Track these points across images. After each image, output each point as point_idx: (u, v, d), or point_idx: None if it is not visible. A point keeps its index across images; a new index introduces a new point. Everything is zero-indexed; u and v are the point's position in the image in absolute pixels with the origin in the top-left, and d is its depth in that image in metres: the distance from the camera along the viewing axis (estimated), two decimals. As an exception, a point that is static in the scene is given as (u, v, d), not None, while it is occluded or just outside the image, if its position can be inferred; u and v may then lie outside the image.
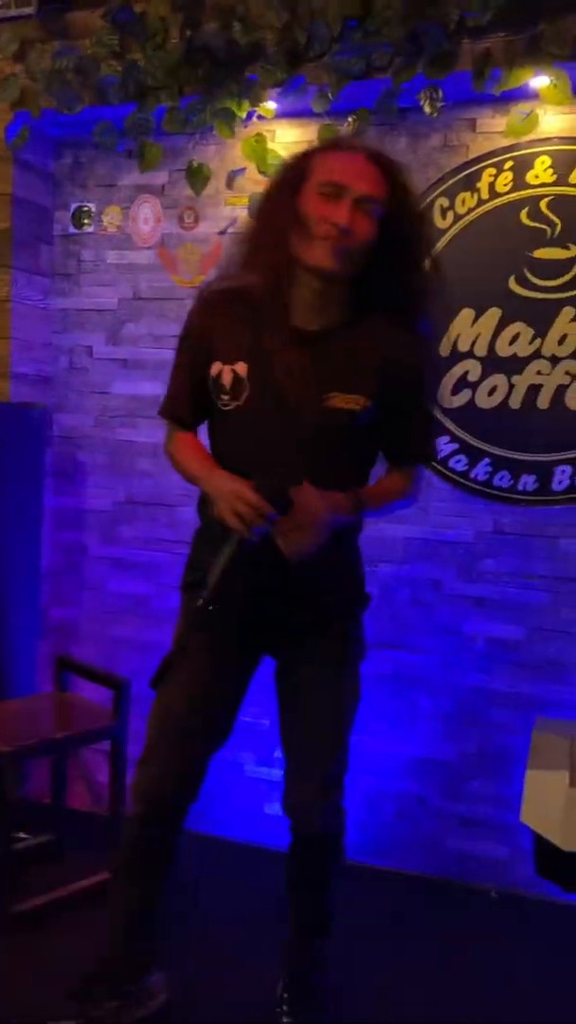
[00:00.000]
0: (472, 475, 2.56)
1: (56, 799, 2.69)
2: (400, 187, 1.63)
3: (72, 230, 2.95)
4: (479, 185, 2.49)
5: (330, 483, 1.62)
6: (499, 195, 2.48)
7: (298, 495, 1.55)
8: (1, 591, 2.72)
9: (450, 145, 2.54)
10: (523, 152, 2.45)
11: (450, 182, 2.52)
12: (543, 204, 2.44)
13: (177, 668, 1.74)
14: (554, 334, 2.45)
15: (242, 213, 2.68)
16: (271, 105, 2.47)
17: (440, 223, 2.53)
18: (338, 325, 1.67)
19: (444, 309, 1.83)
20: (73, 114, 2.58)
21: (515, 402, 2.50)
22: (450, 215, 2.53)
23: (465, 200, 2.51)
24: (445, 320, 1.86)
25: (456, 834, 2.64)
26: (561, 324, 2.44)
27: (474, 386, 2.53)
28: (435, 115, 2.33)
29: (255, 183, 2.60)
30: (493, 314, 2.50)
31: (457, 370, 2.53)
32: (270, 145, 2.56)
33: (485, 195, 2.49)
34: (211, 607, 1.62)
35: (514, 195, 2.46)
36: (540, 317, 2.46)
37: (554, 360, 2.46)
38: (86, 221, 2.93)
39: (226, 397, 1.68)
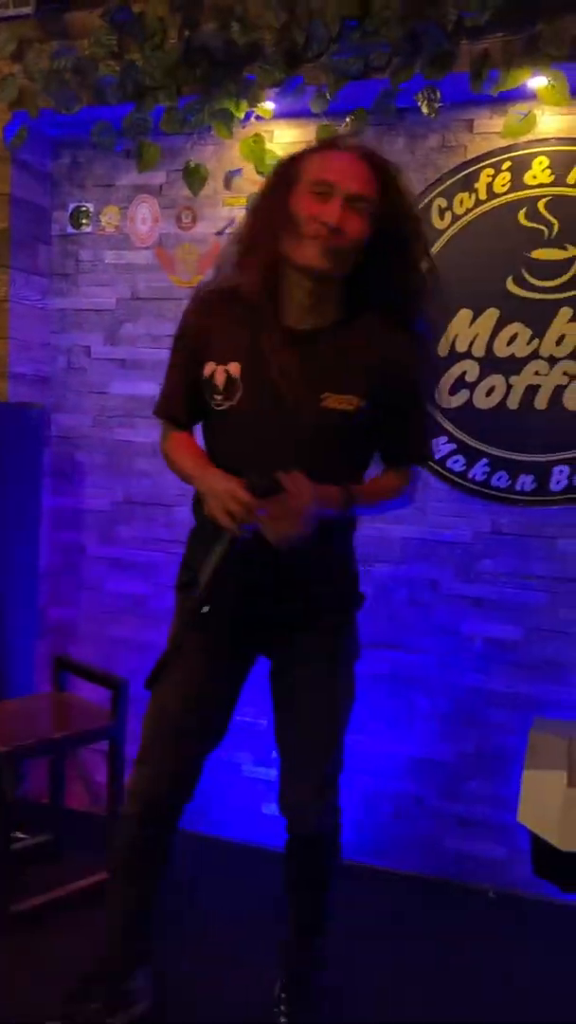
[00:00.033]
0: (470, 475, 2.56)
1: (54, 799, 2.69)
2: (393, 186, 1.63)
3: (70, 230, 2.95)
4: (477, 186, 2.50)
5: (324, 483, 1.62)
6: (497, 196, 2.48)
7: (287, 481, 1.54)
8: (-1, 591, 2.72)
9: (448, 146, 2.54)
10: (521, 153, 2.45)
11: (448, 183, 2.52)
12: (541, 205, 2.44)
13: (172, 668, 1.75)
14: (552, 334, 2.45)
15: (240, 213, 2.68)
16: (269, 105, 2.47)
17: (438, 223, 2.54)
18: (332, 325, 1.67)
19: (442, 309, 1.82)
20: (71, 114, 2.58)
21: (513, 402, 2.50)
22: (448, 216, 2.53)
23: (463, 201, 2.52)
24: (443, 320, 1.85)
25: (454, 834, 2.64)
26: (559, 324, 2.44)
27: (472, 386, 2.53)
28: (433, 116, 2.33)
29: (253, 183, 2.60)
30: (491, 314, 2.50)
31: (455, 370, 2.53)
32: (268, 145, 2.56)
33: (483, 196, 2.49)
34: (205, 607, 1.62)
35: (512, 196, 2.46)
36: (538, 317, 2.46)
37: (552, 360, 2.46)
38: (84, 221, 2.93)
39: (219, 397, 1.68)
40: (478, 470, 2.55)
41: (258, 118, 2.51)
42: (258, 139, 2.54)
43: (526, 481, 2.51)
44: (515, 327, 2.48)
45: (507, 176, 2.47)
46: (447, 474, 2.58)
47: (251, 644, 1.82)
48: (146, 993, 1.89)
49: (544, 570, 2.53)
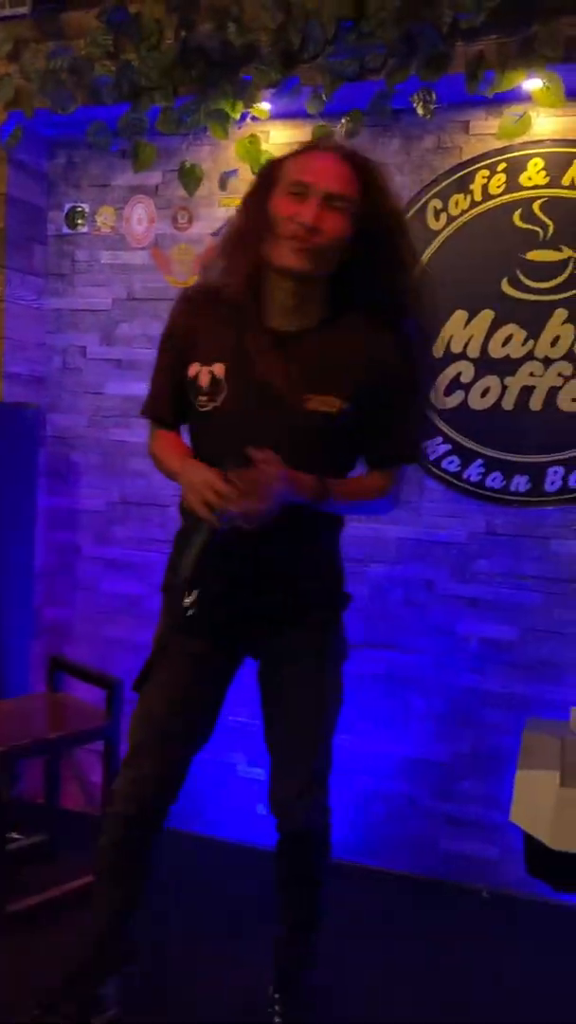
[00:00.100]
0: (465, 476, 2.57)
1: (49, 799, 2.69)
2: (375, 185, 1.63)
3: (66, 230, 2.95)
4: (472, 187, 2.50)
5: None
6: (492, 197, 2.48)
7: (256, 456, 1.53)
8: (-6, 591, 2.72)
9: (443, 147, 2.54)
10: (516, 154, 2.45)
11: (443, 184, 2.53)
12: (536, 206, 2.45)
13: (158, 670, 1.76)
14: (547, 336, 2.46)
15: (235, 214, 2.69)
16: (265, 106, 2.47)
17: (433, 225, 2.54)
18: (316, 325, 1.66)
19: (431, 307, 1.81)
20: (67, 114, 2.58)
21: (508, 403, 2.51)
22: (443, 217, 2.53)
23: (458, 202, 2.52)
24: (433, 318, 1.84)
25: (448, 834, 2.65)
26: (554, 326, 2.45)
27: (467, 387, 2.54)
28: (428, 117, 2.34)
29: (248, 184, 2.60)
30: (486, 316, 2.50)
31: (450, 371, 2.54)
32: (264, 146, 2.56)
33: (478, 197, 2.50)
34: (188, 601, 1.63)
35: (507, 197, 2.47)
36: (533, 319, 2.46)
37: (547, 362, 2.47)
38: (80, 221, 2.93)
39: (203, 398, 1.68)
40: (473, 471, 2.56)
41: (254, 119, 2.52)
42: (254, 140, 2.54)
43: (521, 482, 2.52)
44: (510, 328, 2.49)
45: (502, 177, 2.47)
46: (442, 475, 2.58)
47: (237, 645, 1.82)
48: (116, 1000, 1.88)
49: (539, 570, 2.54)
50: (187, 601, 1.67)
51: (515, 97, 2.31)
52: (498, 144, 2.46)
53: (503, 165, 2.47)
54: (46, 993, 1.85)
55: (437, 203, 2.54)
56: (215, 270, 1.73)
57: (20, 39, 2.62)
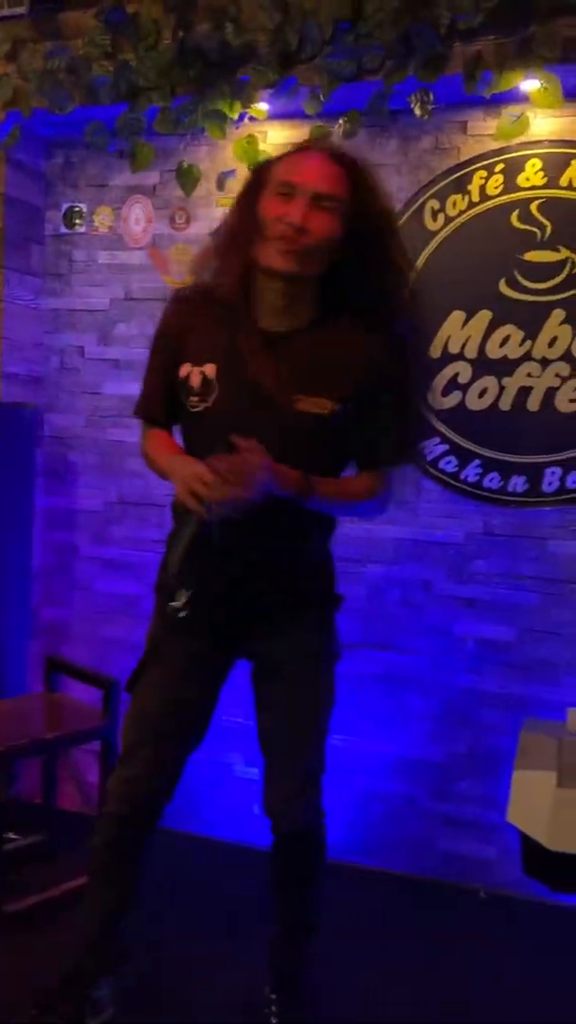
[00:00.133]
0: (462, 476, 2.57)
1: (47, 799, 2.69)
2: (365, 185, 1.62)
3: (63, 230, 2.95)
4: (470, 187, 2.50)
5: None
6: (490, 197, 2.49)
7: (240, 443, 1.53)
8: (-9, 591, 2.72)
9: (441, 147, 2.54)
10: (514, 155, 2.46)
11: (441, 184, 2.53)
12: (533, 207, 2.45)
13: (151, 671, 1.76)
14: (544, 336, 2.46)
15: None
16: (263, 106, 2.47)
17: (431, 225, 2.54)
18: (307, 326, 1.66)
19: (424, 307, 1.80)
20: (65, 114, 2.57)
21: (505, 404, 2.51)
22: (441, 217, 2.54)
23: (456, 202, 2.52)
24: (426, 318, 1.83)
25: (445, 834, 2.65)
26: (551, 326, 2.45)
27: (464, 388, 2.54)
28: (426, 118, 2.34)
29: (240, 185, 2.60)
30: (483, 316, 2.50)
31: (447, 372, 2.54)
32: (261, 146, 2.56)
33: (476, 197, 2.50)
34: (180, 612, 1.63)
35: (505, 198, 2.47)
36: (530, 319, 2.46)
37: (544, 362, 2.47)
38: (77, 221, 2.93)
39: (195, 399, 1.68)
40: (470, 471, 2.56)
41: (252, 119, 2.52)
42: (252, 140, 2.54)
43: (518, 482, 2.52)
44: (508, 329, 2.49)
45: (500, 178, 2.47)
46: (439, 475, 2.59)
47: (230, 646, 1.81)
48: (111, 1001, 1.88)
49: (536, 571, 2.54)
50: (179, 603, 1.68)
51: (513, 98, 2.32)
52: (496, 145, 2.46)
53: (501, 166, 2.47)
54: (42, 994, 1.85)
55: (435, 204, 2.54)
56: (207, 271, 1.73)
57: (18, 39, 2.62)
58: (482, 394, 2.53)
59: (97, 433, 2.96)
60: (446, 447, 2.57)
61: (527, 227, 2.45)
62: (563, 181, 2.42)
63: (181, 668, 1.78)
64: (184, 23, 2.42)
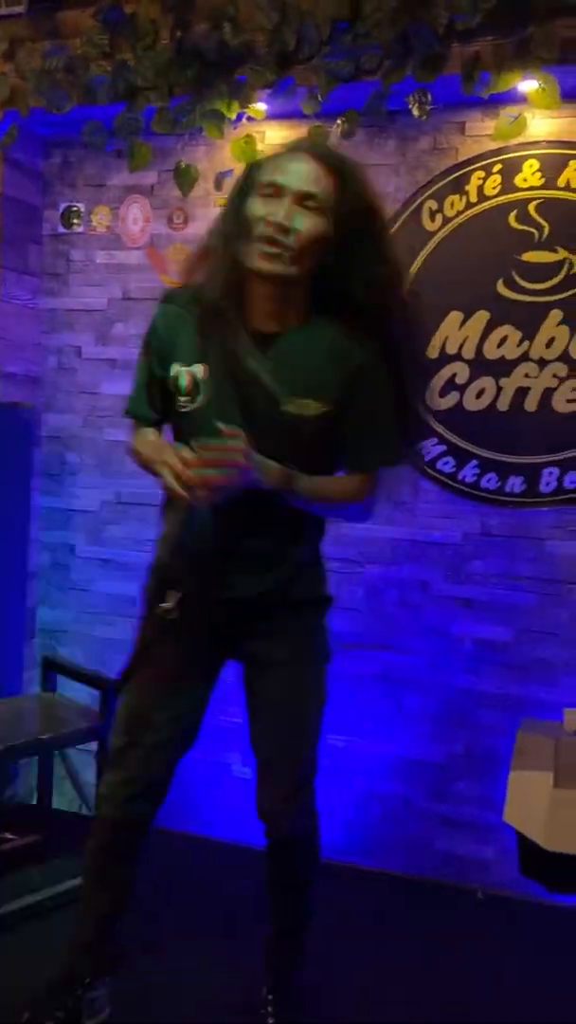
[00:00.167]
0: (460, 477, 2.57)
1: (43, 800, 2.69)
2: (352, 184, 1.61)
3: (61, 230, 2.95)
4: (468, 188, 2.50)
5: None
6: (487, 198, 2.49)
7: (225, 430, 1.53)
8: (-12, 591, 2.72)
9: (439, 148, 2.55)
10: (511, 155, 2.46)
11: (439, 185, 2.53)
12: (531, 207, 2.45)
13: (141, 672, 1.76)
14: (542, 337, 2.46)
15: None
16: (261, 106, 2.48)
17: (429, 226, 2.54)
18: (296, 328, 1.66)
19: (415, 307, 1.79)
20: (62, 113, 2.57)
21: (503, 404, 2.51)
22: (439, 218, 2.54)
23: (454, 203, 2.52)
24: (418, 318, 1.80)
25: (443, 835, 2.65)
26: (549, 327, 2.45)
27: (462, 388, 2.54)
28: (424, 118, 2.34)
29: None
30: (481, 317, 2.51)
31: (445, 372, 2.54)
32: (259, 146, 2.55)
33: (474, 198, 2.50)
34: (169, 614, 1.64)
35: (502, 198, 2.47)
36: (528, 320, 2.47)
37: (542, 363, 2.47)
38: (75, 221, 2.92)
39: (184, 399, 1.68)
40: (468, 472, 2.56)
41: (249, 119, 2.52)
42: (249, 140, 2.54)
43: (516, 483, 2.52)
44: (505, 329, 2.49)
45: (498, 179, 2.47)
46: (437, 475, 2.58)
47: (220, 647, 1.81)
48: (105, 1004, 1.88)
49: (533, 571, 2.54)
50: (169, 604, 1.68)
51: (511, 98, 2.32)
52: (494, 145, 2.46)
53: (499, 166, 2.47)
54: (37, 996, 1.85)
55: (433, 204, 2.54)
56: (198, 272, 1.73)
57: (16, 38, 2.62)
58: (480, 395, 2.53)
59: (94, 433, 2.96)
60: (444, 447, 2.57)
61: (525, 228, 2.46)
62: (561, 182, 2.42)
63: (172, 670, 1.77)
64: (182, 23, 2.42)
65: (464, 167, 2.51)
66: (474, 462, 2.55)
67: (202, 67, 2.42)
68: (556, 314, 2.44)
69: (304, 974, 1.95)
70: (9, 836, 2.59)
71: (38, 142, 2.90)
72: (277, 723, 1.79)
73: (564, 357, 2.45)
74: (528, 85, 2.24)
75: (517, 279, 2.47)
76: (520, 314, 2.47)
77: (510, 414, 2.50)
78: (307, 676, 1.79)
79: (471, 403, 2.54)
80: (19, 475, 2.83)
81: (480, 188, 2.49)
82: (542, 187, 2.44)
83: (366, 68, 2.29)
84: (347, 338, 1.65)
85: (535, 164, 2.44)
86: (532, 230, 2.45)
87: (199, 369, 1.66)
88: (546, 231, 2.44)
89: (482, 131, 2.49)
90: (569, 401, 2.46)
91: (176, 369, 1.69)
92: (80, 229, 2.93)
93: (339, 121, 2.41)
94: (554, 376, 2.46)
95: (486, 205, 2.49)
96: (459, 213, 2.52)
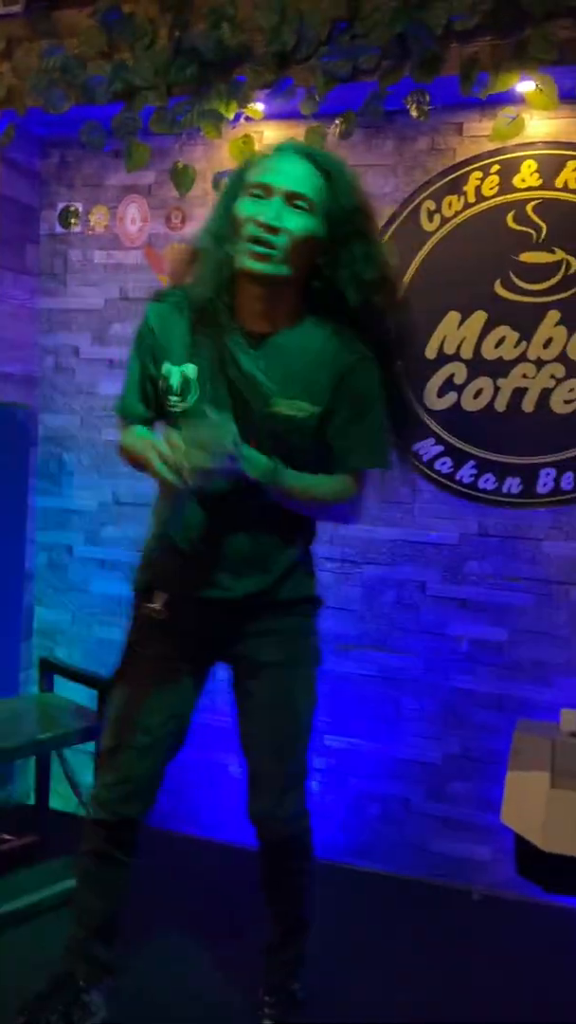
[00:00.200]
0: (457, 477, 2.57)
1: (40, 800, 2.68)
2: (340, 183, 1.61)
3: (59, 229, 2.94)
4: (465, 188, 2.51)
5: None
6: (485, 199, 2.49)
7: (212, 417, 1.54)
8: (-15, 591, 2.71)
9: (437, 148, 2.55)
10: (509, 156, 2.46)
11: (437, 185, 2.53)
12: (529, 208, 2.45)
13: (131, 673, 1.77)
14: (539, 337, 2.46)
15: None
16: (259, 106, 2.47)
17: (427, 226, 2.54)
18: (286, 328, 1.66)
19: (405, 305, 1.78)
20: (60, 113, 2.57)
21: (500, 405, 2.51)
22: (436, 218, 2.54)
23: (451, 203, 2.52)
24: (408, 317, 1.79)
25: (439, 835, 2.65)
26: (546, 328, 2.45)
27: (460, 389, 2.54)
28: (422, 119, 2.34)
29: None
30: (479, 317, 2.51)
31: (443, 373, 2.54)
32: (257, 147, 2.56)
33: (471, 198, 2.50)
34: (157, 614, 1.66)
35: (500, 199, 2.47)
36: (526, 320, 2.47)
37: (539, 363, 2.47)
38: (73, 221, 2.92)
39: (175, 398, 1.69)
40: (465, 472, 2.56)
41: (248, 119, 2.51)
42: (247, 140, 2.54)
43: (513, 483, 2.52)
44: (503, 330, 2.49)
45: (496, 179, 2.47)
46: (434, 476, 2.59)
47: (209, 648, 1.81)
48: (101, 1006, 1.88)
49: (530, 572, 2.54)
50: (156, 604, 1.68)
51: (508, 99, 2.32)
52: (491, 146, 2.46)
53: (496, 167, 2.47)
54: (32, 999, 1.85)
55: (430, 204, 2.54)
56: (189, 272, 1.73)
57: (13, 37, 2.61)
58: (477, 395, 2.53)
59: (92, 433, 2.96)
60: (441, 448, 2.57)
61: (523, 228, 2.46)
62: (558, 183, 2.42)
63: (160, 670, 1.77)
64: (180, 23, 2.42)
65: (462, 167, 2.51)
66: (471, 462, 2.55)
67: (200, 67, 2.42)
68: (554, 315, 2.45)
69: (302, 976, 1.95)
70: (6, 836, 2.59)
71: (35, 142, 2.90)
72: (266, 725, 1.78)
73: (562, 358, 2.45)
74: (526, 86, 2.24)
75: (515, 279, 2.47)
76: (518, 314, 2.47)
77: (508, 414, 2.51)
78: (296, 677, 1.79)
79: (469, 403, 2.54)
80: (16, 475, 2.83)
81: (478, 189, 2.49)
82: (540, 188, 2.44)
83: (364, 68, 2.29)
84: (338, 339, 1.66)
85: (533, 165, 2.44)
86: (530, 231, 2.45)
87: (190, 368, 1.66)
88: (544, 232, 2.44)
89: (480, 132, 2.49)
90: (566, 402, 2.46)
91: (167, 368, 1.69)
92: (78, 229, 2.92)
93: (337, 121, 2.41)
94: (552, 377, 2.47)
95: (484, 206, 2.49)
96: (457, 213, 2.52)
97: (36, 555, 3.02)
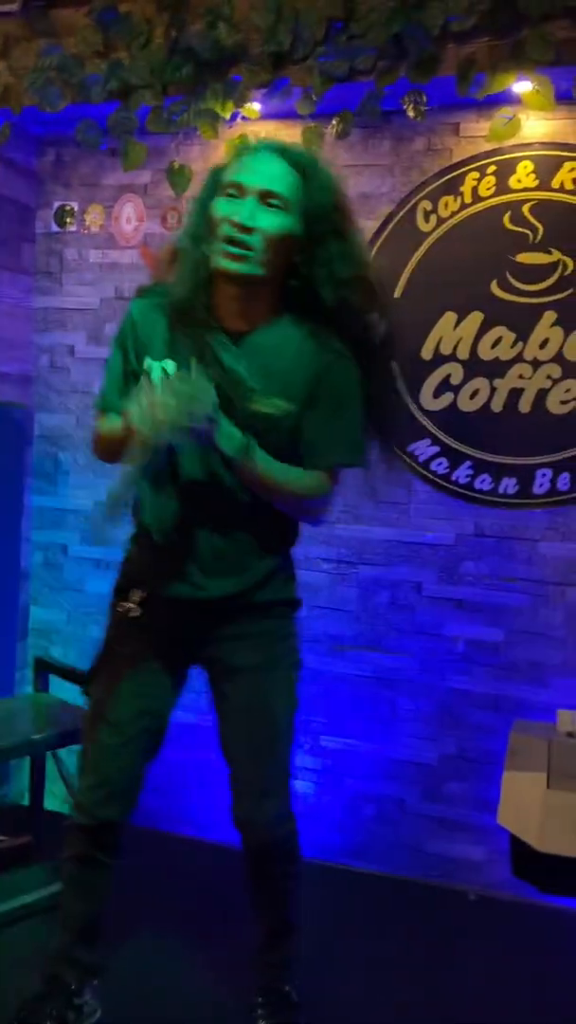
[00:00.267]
0: (453, 478, 2.57)
1: (34, 800, 2.68)
2: (316, 182, 1.61)
3: (55, 229, 2.94)
4: (462, 189, 2.51)
5: (254, 485, 1.63)
6: (482, 199, 2.49)
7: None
8: (-20, 591, 2.71)
9: (433, 149, 2.55)
10: (506, 156, 2.46)
11: (433, 186, 2.53)
12: (525, 208, 2.45)
13: (108, 675, 1.76)
14: (536, 338, 2.46)
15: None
16: (255, 106, 2.47)
17: (423, 226, 2.54)
18: (264, 327, 1.65)
19: (385, 303, 1.76)
20: (56, 112, 2.56)
21: (497, 405, 2.51)
22: (433, 219, 2.54)
23: (448, 204, 2.52)
24: (388, 314, 1.78)
25: (435, 836, 2.65)
26: (543, 328, 2.46)
27: (456, 389, 2.54)
28: (419, 119, 2.34)
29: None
30: (475, 318, 2.51)
31: (439, 373, 2.54)
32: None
33: (468, 199, 2.50)
34: (133, 612, 1.68)
35: (497, 199, 2.47)
36: (522, 321, 2.47)
37: (536, 364, 2.47)
38: (69, 220, 2.91)
39: None
40: (461, 472, 2.56)
41: (244, 119, 2.51)
42: (244, 140, 2.53)
43: (509, 484, 2.52)
44: (499, 330, 2.49)
45: (492, 180, 2.48)
46: (430, 476, 2.59)
47: (185, 649, 1.80)
48: (95, 1007, 1.87)
49: (526, 572, 2.54)
50: (131, 602, 1.68)
51: (505, 100, 2.32)
52: (488, 146, 2.46)
53: (493, 167, 2.47)
54: (25, 1004, 1.84)
55: (427, 204, 2.54)
56: (169, 271, 1.73)
57: (9, 36, 2.60)
58: (473, 395, 2.53)
59: (87, 432, 2.93)
60: (437, 448, 2.57)
61: (519, 229, 2.46)
62: (555, 183, 2.42)
63: (134, 669, 1.76)
64: (177, 22, 2.42)
65: (458, 168, 2.51)
66: (468, 463, 2.55)
67: (196, 66, 2.41)
68: (550, 315, 2.45)
69: (295, 977, 1.94)
70: (1, 837, 2.59)
71: (31, 141, 2.89)
72: (243, 729, 1.77)
73: (558, 358, 2.45)
74: (522, 86, 2.24)
75: (511, 280, 2.47)
76: (514, 315, 2.47)
77: (504, 415, 2.51)
78: (273, 680, 1.78)
79: (465, 404, 2.54)
80: (12, 475, 2.83)
81: (474, 189, 2.49)
82: (536, 188, 2.44)
83: (361, 68, 2.28)
84: (315, 338, 1.65)
85: (529, 165, 2.44)
86: (526, 231, 2.46)
87: (171, 365, 1.66)
88: (540, 232, 2.44)
89: (477, 132, 2.49)
90: (563, 402, 2.46)
91: (149, 363, 1.69)
92: (73, 228, 2.92)
93: (334, 121, 2.40)
94: (548, 377, 2.47)
95: (480, 206, 2.49)
96: (453, 214, 2.52)
97: (32, 554, 3.02)
